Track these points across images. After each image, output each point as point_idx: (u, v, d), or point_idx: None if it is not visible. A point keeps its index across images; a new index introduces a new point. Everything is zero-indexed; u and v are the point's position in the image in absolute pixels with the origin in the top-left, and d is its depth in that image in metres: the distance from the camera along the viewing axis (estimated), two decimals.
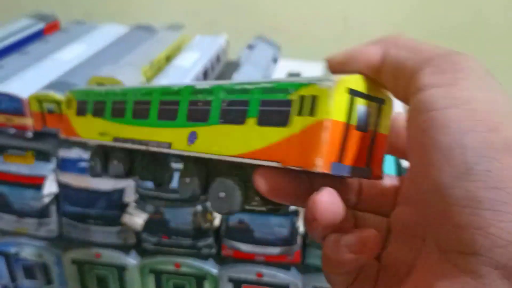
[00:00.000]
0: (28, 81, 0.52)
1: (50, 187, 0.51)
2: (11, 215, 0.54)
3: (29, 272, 0.57)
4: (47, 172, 0.51)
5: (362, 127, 0.19)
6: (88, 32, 0.68)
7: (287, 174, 0.20)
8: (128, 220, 0.49)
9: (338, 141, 0.18)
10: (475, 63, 0.17)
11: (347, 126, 0.18)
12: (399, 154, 0.22)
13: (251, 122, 0.20)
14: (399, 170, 0.45)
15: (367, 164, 0.20)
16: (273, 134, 0.19)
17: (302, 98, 0.19)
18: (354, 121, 0.19)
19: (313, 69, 0.64)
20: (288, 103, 0.19)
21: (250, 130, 0.20)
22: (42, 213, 0.53)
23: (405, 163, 0.45)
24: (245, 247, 0.48)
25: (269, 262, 0.49)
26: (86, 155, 0.50)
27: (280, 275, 0.49)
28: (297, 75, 0.62)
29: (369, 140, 0.20)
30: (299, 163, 0.18)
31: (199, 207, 0.47)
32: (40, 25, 0.68)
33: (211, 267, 0.51)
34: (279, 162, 0.19)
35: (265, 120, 0.20)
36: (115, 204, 0.51)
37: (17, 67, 0.55)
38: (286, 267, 0.49)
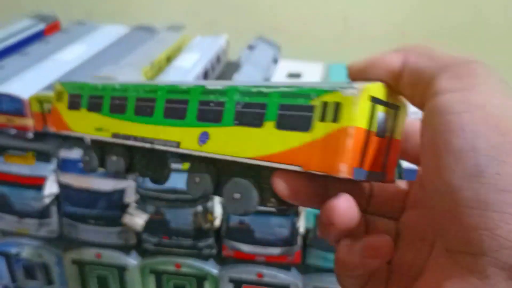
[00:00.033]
0: (28, 81, 0.52)
1: (50, 188, 0.51)
2: (12, 216, 0.54)
3: (29, 272, 0.57)
4: (48, 173, 0.51)
5: (381, 133, 0.20)
6: (88, 32, 0.68)
7: (305, 177, 0.20)
8: (128, 220, 0.49)
9: (360, 147, 0.19)
10: (491, 71, 0.17)
11: (368, 133, 0.19)
12: (408, 157, 0.22)
13: (270, 125, 0.21)
14: (400, 171, 0.45)
15: (383, 169, 0.20)
16: (294, 139, 0.20)
17: (325, 104, 0.19)
18: (374, 128, 0.19)
19: (313, 70, 0.64)
20: (310, 108, 0.19)
21: (268, 133, 0.21)
22: (42, 214, 0.53)
23: (404, 164, 0.45)
24: (245, 248, 0.48)
25: (270, 262, 0.49)
26: None
27: (280, 276, 0.49)
28: (297, 75, 0.62)
29: (386, 145, 0.20)
30: (322, 168, 0.19)
31: (199, 208, 0.47)
32: (41, 26, 0.68)
33: (211, 268, 0.51)
34: (300, 166, 0.19)
35: (284, 124, 0.20)
36: (115, 204, 0.51)
37: (17, 67, 0.55)
38: (286, 267, 0.49)
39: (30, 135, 0.51)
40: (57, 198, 0.53)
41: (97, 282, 0.55)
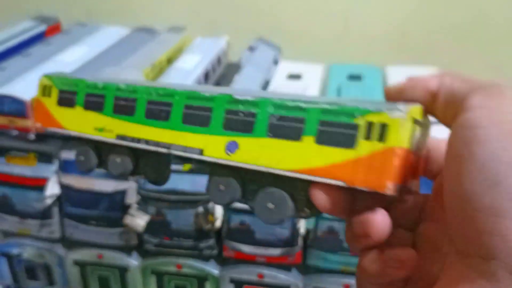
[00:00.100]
0: (30, 83, 0.52)
1: (52, 189, 0.52)
2: (14, 216, 0.54)
3: (31, 273, 0.57)
4: (50, 174, 0.51)
5: (415, 151, 0.21)
6: (89, 34, 0.68)
7: (341, 190, 0.21)
8: (130, 221, 0.49)
9: (403, 166, 0.20)
10: None
11: (408, 151, 0.20)
12: (425, 172, 0.24)
13: (309, 140, 0.21)
14: None
15: (411, 183, 0.22)
16: (336, 154, 0.21)
17: (370, 124, 0.20)
18: (412, 146, 0.20)
19: (313, 71, 0.64)
20: (354, 126, 0.20)
21: (307, 148, 0.21)
22: (44, 214, 0.53)
23: None
24: (246, 248, 0.48)
25: (270, 263, 0.49)
26: None
27: (281, 276, 0.49)
28: (297, 76, 0.63)
29: (416, 161, 0.22)
30: (368, 185, 0.20)
31: (200, 209, 0.48)
32: (42, 27, 0.68)
33: (212, 268, 0.51)
34: (343, 181, 0.20)
35: (325, 140, 0.21)
36: (117, 205, 0.51)
37: (19, 69, 0.56)
38: (287, 268, 0.49)
39: (32, 136, 0.51)
40: (58, 199, 0.53)
41: (99, 282, 0.55)
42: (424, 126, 0.22)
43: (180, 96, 0.26)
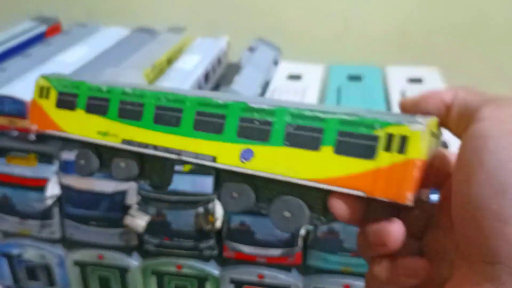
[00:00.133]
0: (30, 83, 0.52)
1: (52, 189, 0.52)
2: (14, 217, 0.54)
3: (32, 273, 0.57)
4: (50, 174, 0.52)
5: (429, 161, 0.22)
6: (90, 34, 0.68)
7: (359, 200, 0.22)
8: (130, 222, 0.49)
9: (420, 176, 0.20)
10: None
11: (425, 163, 0.21)
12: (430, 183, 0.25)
13: (327, 150, 0.22)
14: None
15: (420, 191, 0.22)
16: (355, 165, 0.21)
17: (390, 136, 0.21)
18: (428, 158, 0.21)
19: (313, 71, 0.64)
20: (374, 138, 0.21)
21: (326, 157, 0.22)
22: (45, 215, 0.53)
23: None
24: (246, 249, 0.48)
25: (271, 263, 0.49)
26: None
27: (281, 277, 0.49)
28: (297, 77, 0.63)
29: (427, 171, 0.22)
30: (387, 195, 0.20)
31: (200, 209, 0.48)
32: (42, 28, 0.69)
33: (212, 269, 0.51)
34: (363, 191, 0.21)
35: (344, 150, 0.21)
36: (117, 206, 0.51)
37: (19, 69, 0.56)
38: (287, 268, 0.49)
39: (32, 137, 0.51)
40: (59, 200, 0.53)
41: (99, 283, 0.55)
42: (437, 137, 0.22)
43: (191, 102, 0.26)
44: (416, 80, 0.62)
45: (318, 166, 0.22)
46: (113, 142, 0.28)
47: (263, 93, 0.57)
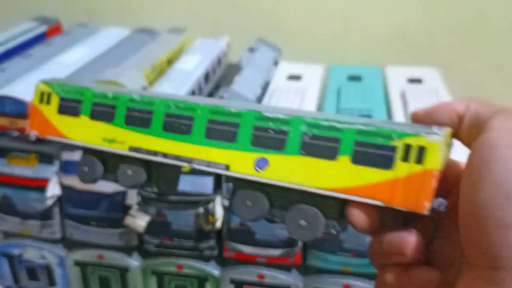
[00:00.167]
0: (31, 84, 0.52)
1: (53, 190, 0.52)
2: (15, 217, 0.54)
3: (32, 273, 0.57)
4: (50, 175, 0.52)
5: (443, 170, 0.22)
6: (90, 35, 0.68)
7: (376, 209, 0.22)
8: (130, 222, 0.49)
9: (436, 186, 0.21)
10: None
11: (441, 172, 0.21)
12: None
13: (344, 159, 0.22)
14: None
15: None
16: (373, 175, 0.22)
17: (408, 146, 0.21)
18: (443, 167, 0.22)
19: (313, 72, 0.64)
20: (392, 148, 0.21)
21: (343, 167, 0.22)
22: (45, 215, 0.53)
23: None
24: (246, 249, 0.48)
25: (271, 263, 0.49)
26: None
27: (281, 277, 0.49)
28: (297, 77, 0.63)
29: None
30: (406, 205, 0.21)
31: (201, 209, 0.48)
32: (43, 28, 0.69)
33: (212, 269, 0.51)
34: (381, 201, 0.21)
35: (362, 160, 0.22)
36: (117, 206, 0.51)
37: (20, 70, 0.56)
38: (287, 268, 0.49)
39: (33, 137, 0.51)
40: (59, 200, 0.53)
41: (99, 283, 0.55)
42: (450, 147, 0.23)
43: (202, 110, 0.26)
44: (416, 80, 0.62)
45: (335, 176, 0.22)
46: (120, 149, 0.28)
47: (263, 93, 0.57)
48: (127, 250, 0.53)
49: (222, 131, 0.25)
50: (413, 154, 0.21)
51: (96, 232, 0.53)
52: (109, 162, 0.30)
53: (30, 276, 0.58)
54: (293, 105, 0.54)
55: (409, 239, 0.22)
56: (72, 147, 0.51)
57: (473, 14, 0.72)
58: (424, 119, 0.23)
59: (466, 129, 0.22)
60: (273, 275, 0.49)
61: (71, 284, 0.56)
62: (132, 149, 0.27)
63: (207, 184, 0.48)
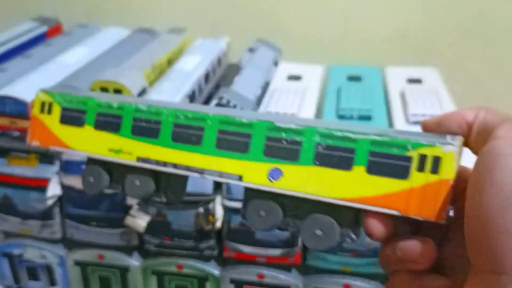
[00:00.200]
0: (31, 84, 0.52)
1: (53, 190, 0.52)
2: (15, 217, 0.54)
3: (32, 273, 0.58)
4: (51, 175, 0.52)
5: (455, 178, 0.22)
6: (90, 35, 0.68)
7: (392, 218, 0.23)
8: (131, 222, 0.49)
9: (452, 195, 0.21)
10: None
11: (454, 181, 0.22)
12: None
13: (360, 170, 0.22)
14: None
15: None
16: (389, 185, 0.22)
17: (423, 156, 0.21)
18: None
19: (313, 72, 0.64)
20: (407, 159, 0.22)
21: (358, 177, 0.22)
22: (45, 215, 0.53)
23: None
24: (246, 249, 0.49)
25: (271, 263, 0.49)
26: None
27: (281, 277, 0.49)
28: (297, 77, 0.63)
29: None
30: (423, 214, 0.21)
31: (201, 209, 0.48)
32: (43, 28, 0.69)
33: (213, 269, 0.51)
34: (398, 210, 0.22)
35: (377, 170, 0.22)
36: (118, 206, 0.51)
37: (20, 70, 0.56)
38: (287, 268, 0.49)
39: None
40: (60, 200, 0.53)
41: (100, 283, 0.56)
42: (461, 155, 0.23)
43: (212, 121, 0.25)
44: (416, 81, 0.62)
45: (350, 186, 0.22)
46: (127, 159, 0.27)
47: (263, 93, 0.58)
48: (128, 250, 0.53)
49: (234, 141, 0.25)
50: (428, 164, 0.21)
51: (97, 232, 0.53)
52: (115, 172, 0.29)
53: (30, 276, 0.58)
54: (293, 105, 0.54)
55: (426, 248, 0.22)
56: None
57: (473, 14, 0.72)
58: (434, 128, 0.24)
59: (475, 137, 0.22)
60: (273, 275, 0.49)
61: (72, 284, 0.57)
62: (140, 159, 0.27)
63: (207, 184, 0.48)
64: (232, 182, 0.25)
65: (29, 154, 0.52)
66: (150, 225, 0.49)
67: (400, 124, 0.52)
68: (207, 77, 0.59)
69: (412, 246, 0.22)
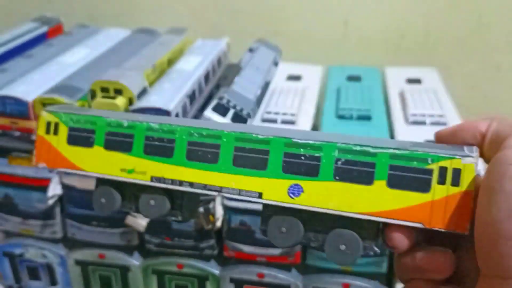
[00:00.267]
0: (32, 84, 0.53)
1: (54, 189, 0.52)
2: (16, 217, 0.54)
3: (33, 273, 0.58)
4: (52, 175, 0.52)
5: None
6: (91, 35, 0.68)
7: (412, 230, 0.23)
8: (131, 221, 0.49)
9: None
10: None
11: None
12: None
13: (381, 184, 0.23)
14: None
15: None
16: (410, 198, 0.22)
17: (444, 169, 0.22)
18: None
19: (313, 72, 0.65)
20: (428, 172, 0.22)
21: (379, 191, 0.23)
22: (46, 215, 0.54)
23: None
24: (246, 248, 0.49)
25: (270, 263, 0.49)
26: None
27: (281, 276, 0.49)
28: (297, 78, 0.63)
29: None
30: (446, 227, 0.22)
31: (201, 209, 0.48)
32: (44, 29, 0.69)
33: (213, 268, 0.51)
34: (421, 223, 0.22)
35: (398, 184, 0.22)
36: None
37: (21, 70, 0.56)
38: (287, 268, 0.50)
39: (34, 137, 0.52)
40: (60, 200, 0.53)
41: (100, 282, 0.56)
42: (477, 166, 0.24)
43: (227, 138, 0.25)
44: (415, 81, 0.62)
45: (372, 200, 0.23)
46: (141, 179, 0.27)
47: (263, 93, 0.58)
48: (128, 250, 0.54)
49: (251, 158, 0.25)
50: (449, 177, 0.22)
51: (97, 232, 0.53)
52: (126, 192, 0.29)
53: (31, 275, 0.58)
54: (293, 105, 0.55)
55: (446, 259, 0.23)
56: None
57: (472, 16, 0.72)
58: (448, 139, 0.24)
59: (487, 147, 0.23)
60: (273, 274, 0.49)
61: (72, 283, 0.57)
62: (155, 179, 0.27)
63: None
64: (252, 200, 0.25)
65: (30, 154, 0.52)
66: (150, 225, 0.49)
67: (399, 124, 0.52)
68: (207, 77, 0.60)
69: (434, 256, 0.23)
